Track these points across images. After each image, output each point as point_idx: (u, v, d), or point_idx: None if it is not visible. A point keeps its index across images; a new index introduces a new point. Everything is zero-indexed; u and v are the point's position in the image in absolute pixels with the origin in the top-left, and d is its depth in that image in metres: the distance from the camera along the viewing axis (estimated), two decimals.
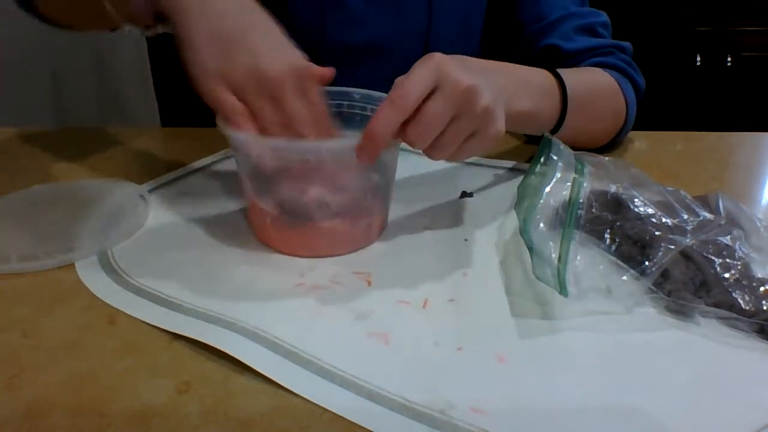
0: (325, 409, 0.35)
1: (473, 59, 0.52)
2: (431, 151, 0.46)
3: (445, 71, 0.43)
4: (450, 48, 0.52)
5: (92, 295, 0.45)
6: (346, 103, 0.55)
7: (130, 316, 0.42)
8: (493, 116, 0.46)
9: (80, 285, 0.46)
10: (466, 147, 0.47)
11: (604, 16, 0.74)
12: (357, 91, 0.55)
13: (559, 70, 0.62)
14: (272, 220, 0.49)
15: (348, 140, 0.44)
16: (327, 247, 0.50)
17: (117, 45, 1.48)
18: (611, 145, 0.71)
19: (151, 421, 0.34)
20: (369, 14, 0.73)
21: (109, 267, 0.48)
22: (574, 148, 0.56)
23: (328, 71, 0.48)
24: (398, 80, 0.44)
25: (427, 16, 0.74)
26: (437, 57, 0.44)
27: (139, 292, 0.45)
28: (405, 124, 0.44)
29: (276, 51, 0.46)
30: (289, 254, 0.50)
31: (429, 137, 0.44)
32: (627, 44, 0.73)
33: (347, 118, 0.55)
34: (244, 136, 0.45)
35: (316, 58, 0.47)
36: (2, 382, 0.37)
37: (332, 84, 0.48)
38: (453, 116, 0.44)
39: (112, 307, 0.43)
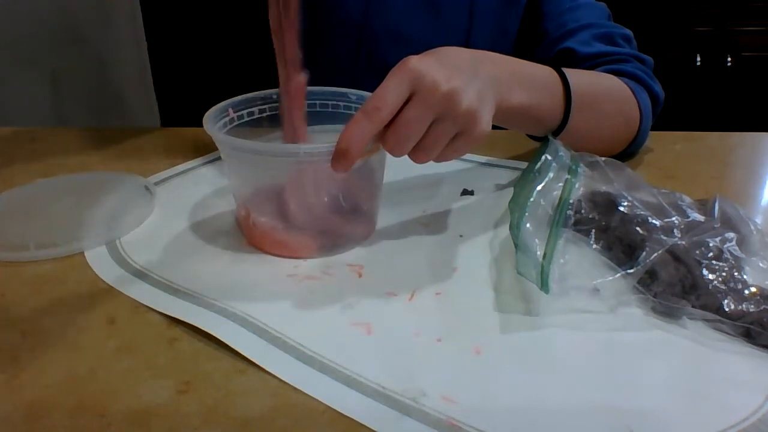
0: (325, 409, 0.35)
1: (458, 51, 0.49)
2: (414, 155, 0.45)
3: (420, 76, 0.42)
4: (487, 49, 0.53)
5: (92, 296, 0.45)
6: (342, 103, 0.56)
7: (130, 316, 0.43)
8: (476, 116, 0.44)
9: (80, 285, 0.46)
10: (451, 149, 0.46)
11: (627, 31, 0.73)
12: (353, 92, 0.56)
13: (564, 69, 0.60)
14: (260, 226, 0.50)
15: (326, 146, 0.43)
16: (309, 253, 0.50)
17: (117, 45, 1.48)
18: (626, 155, 0.68)
19: (151, 421, 0.34)
20: (411, 11, 0.76)
21: (117, 255, 0.50)
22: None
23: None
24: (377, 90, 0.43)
25: (468, 19, 0.76)
26: (412, 61, 0.43)
27: (142, 276, 0.47)
28: (385, 129, 0.43)
29: None
30: (276, 256, 0.50)
31: (407, 144, 0.43)
32: (647, 57, 0.70)
33: (343, 117, 0.56)
34: (231, 139, 0.46)
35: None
36: (2, 382, 0.37)
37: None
38: (433, 120, 0.43)
39: (112, 307, 0.44)
